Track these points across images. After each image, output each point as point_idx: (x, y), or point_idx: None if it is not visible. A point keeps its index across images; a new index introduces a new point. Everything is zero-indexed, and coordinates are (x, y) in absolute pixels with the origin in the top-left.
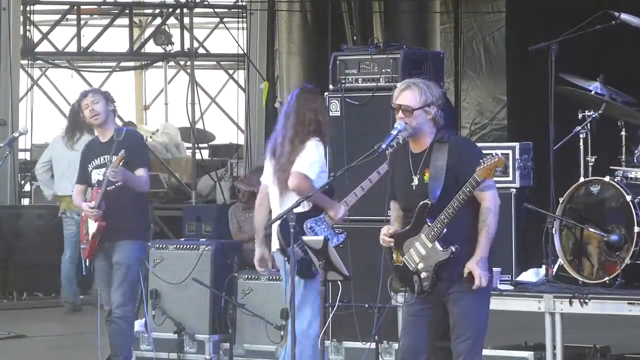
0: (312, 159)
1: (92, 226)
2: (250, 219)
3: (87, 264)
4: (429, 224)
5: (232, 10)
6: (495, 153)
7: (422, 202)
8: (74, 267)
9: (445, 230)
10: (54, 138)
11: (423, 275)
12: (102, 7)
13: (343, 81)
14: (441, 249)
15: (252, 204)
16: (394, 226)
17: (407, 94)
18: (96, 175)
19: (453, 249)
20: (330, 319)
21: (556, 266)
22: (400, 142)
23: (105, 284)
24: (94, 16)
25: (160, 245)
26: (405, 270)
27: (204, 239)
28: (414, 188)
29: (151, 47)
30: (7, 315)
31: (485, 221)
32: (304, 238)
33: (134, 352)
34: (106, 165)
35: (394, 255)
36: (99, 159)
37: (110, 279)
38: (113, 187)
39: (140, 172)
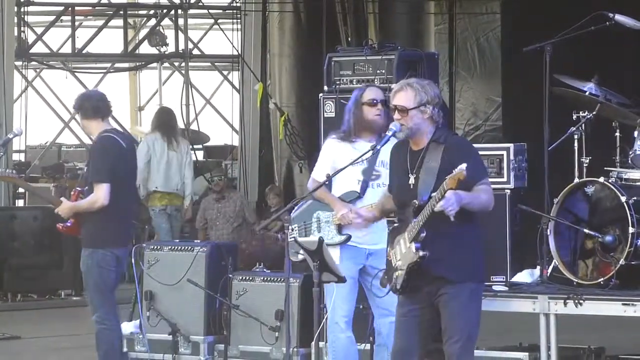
0: None
1: None
2: (222, 211)
3: None
4: (412, 223)
5: (227, 11)
6: (460, 167)
7: (413, 202)
8: None
9: (423, 233)
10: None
11: (398, 273)
12: (96, 8)
13: (338, 82)
14: (414, 250)
15: (225, 194)
16: (376, 210)
17: (402, 95)
18: None
19: (421, 254)
20: (325, 320)
21: (551, 267)
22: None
23: None
24: (89, 17)
25: (155, 247)
26: (390, 265)
27: (199, 240)
28: (410, 187)
29: (145, 48)
30: (1, 316)
31: (478, 191)
32: (299, 239)
33: (129, 353)
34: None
35: (388, 249)
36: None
37: None
38: (86, 189)
39: (95, 187)
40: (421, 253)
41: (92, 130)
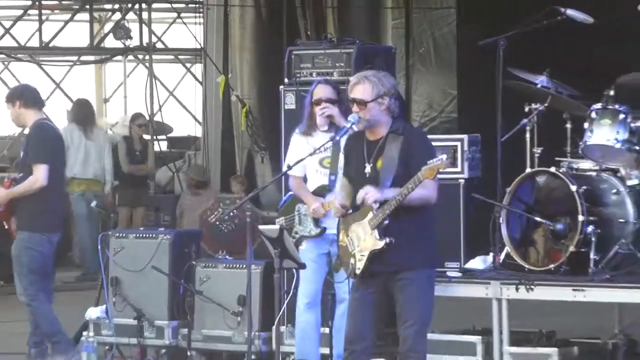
0: None
1: None
2: (194, 202)
3: None
4: (374, 211)
5: (189, 5)
6: (440, 157)
7: None
8: None
9: (387, 221)
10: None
11: (358, 258)
12: (62, 2)
13: (298, 75)
14: (378, 237)
15: (200, 192)
16: (347, 200)
17: (359, 88)
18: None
19: (387, 240)
20: (285, 305)
21: (503, 254)
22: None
23: None
24: (55, 12)
25: (120, 234)
26: (346, 251)
27: (163, 228)
28: (367, 175)
29: (111, 42)
30: None
31: (411, 185)
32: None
33: (95, 337)
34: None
35: (340, 235)
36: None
37: None
38: (20, 176)
39: (34, 169)
40: (387, 240)
41: (27, 119)
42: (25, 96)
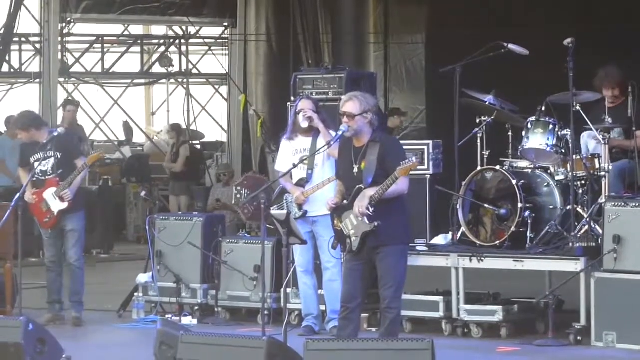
0: None
1: (59, 204)
2: (226, 193)
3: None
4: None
5: (218, 40)
6: (411, 159)
7: (357, 186)
8: None
9: (372, 209)
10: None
11: (353, 239)
12: (120, 38)
13: (301, 94)
14: (367, 222)
15: (230, 183)
16: (337, 197)
17: (350, 104)
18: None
19: (376, 223)
20: (291, 272)
21: (459, 233)
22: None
23: (53, 244)
24: (114, 45)
25: (164, 217)
26: (341, 234)
27: (197, 212)
28: (355, 174)
29: (157, 68)
30: None
31: (390, 182)
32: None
33: (144, 296)
34: (46, 158)
35: (335, 221)
36: (39, 154)
37: (61, 242)
38: (60, 172)
39: (78, 162)
40: (376, 223)
41: (40, 137)
42: (38, 121)
